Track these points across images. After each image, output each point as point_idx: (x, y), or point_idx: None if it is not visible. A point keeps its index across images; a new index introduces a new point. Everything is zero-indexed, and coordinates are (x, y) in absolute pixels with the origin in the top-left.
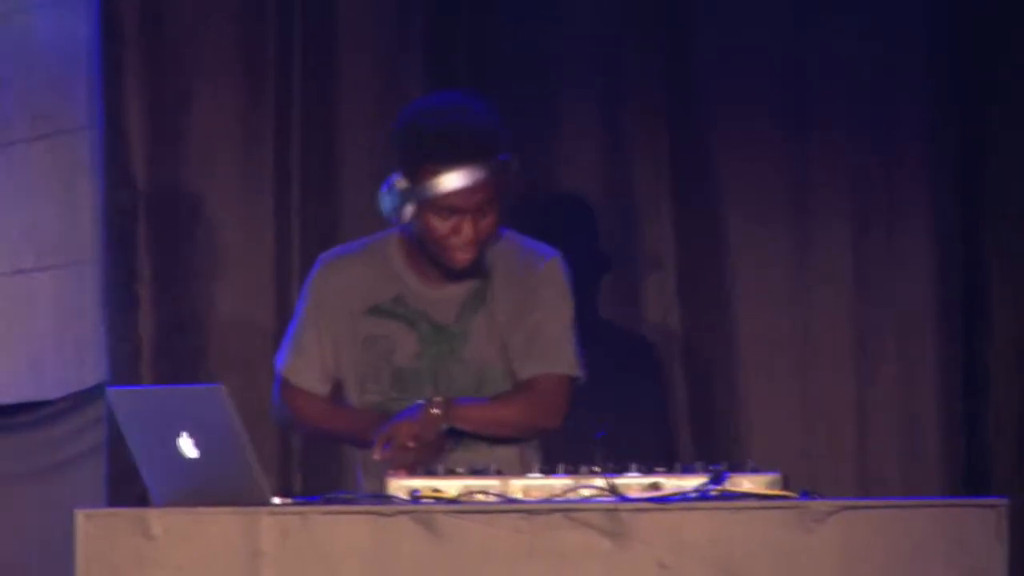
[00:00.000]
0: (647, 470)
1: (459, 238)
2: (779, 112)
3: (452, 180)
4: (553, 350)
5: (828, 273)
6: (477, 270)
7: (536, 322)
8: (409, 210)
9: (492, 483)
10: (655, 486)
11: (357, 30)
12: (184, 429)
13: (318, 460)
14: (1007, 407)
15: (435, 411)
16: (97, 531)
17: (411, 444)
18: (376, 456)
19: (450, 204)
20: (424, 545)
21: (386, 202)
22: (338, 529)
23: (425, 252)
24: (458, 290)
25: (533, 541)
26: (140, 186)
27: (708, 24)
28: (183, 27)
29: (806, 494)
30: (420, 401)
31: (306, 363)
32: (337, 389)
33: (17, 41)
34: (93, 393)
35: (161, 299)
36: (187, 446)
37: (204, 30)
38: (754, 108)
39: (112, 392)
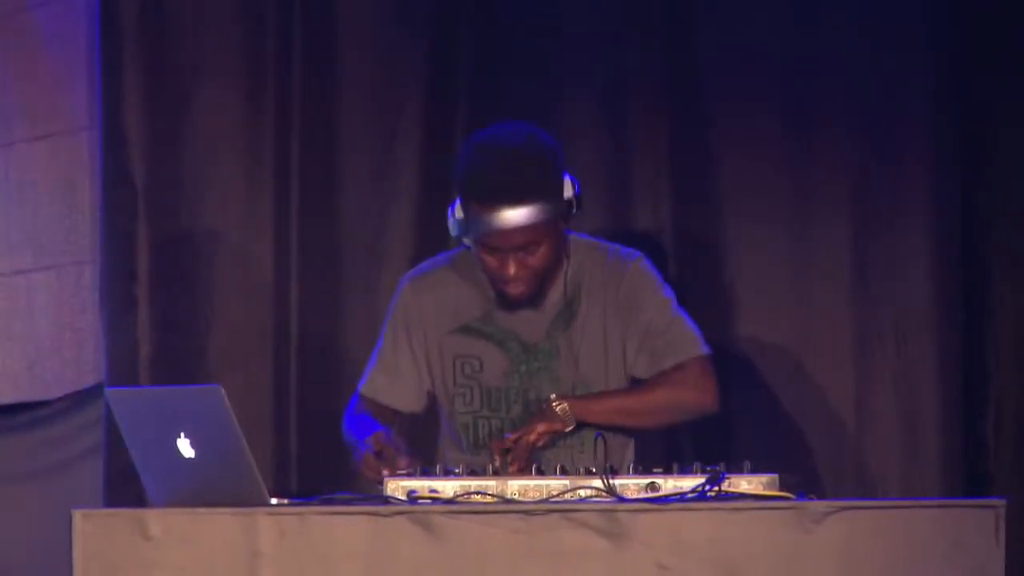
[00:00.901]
0: (645, 471)
1: (506, 274)
2: (780, 111)
3: (491, 222)
4: (676, 340)
5: (828, 272)
6: (534, 301)
7: (647, 323)
8: (466, 239)
9: (489, 483)
10: (653, 487)
11: (357, 28)
12: (182, 430)
13: (316, 460)
14: (1006, 407)
15: (560, 409)
16: (95, 531)
17: (539, 442)
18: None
19: (491, 244)
20: (422, 545)
21: (451, 225)
22: (336, 529)
23: None
24: (547, 307)
25: (531, 542)
26: (139, 186)
27: (709, 23)
28: (183, 27)
29: (804, 495)
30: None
31: (390, 380)
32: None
33: (16, 40)
34: (92, 393)
35: (160, 300)
36: (185, 446)
37: (204, 30)
38: (755, 106)
39: (110, 392)
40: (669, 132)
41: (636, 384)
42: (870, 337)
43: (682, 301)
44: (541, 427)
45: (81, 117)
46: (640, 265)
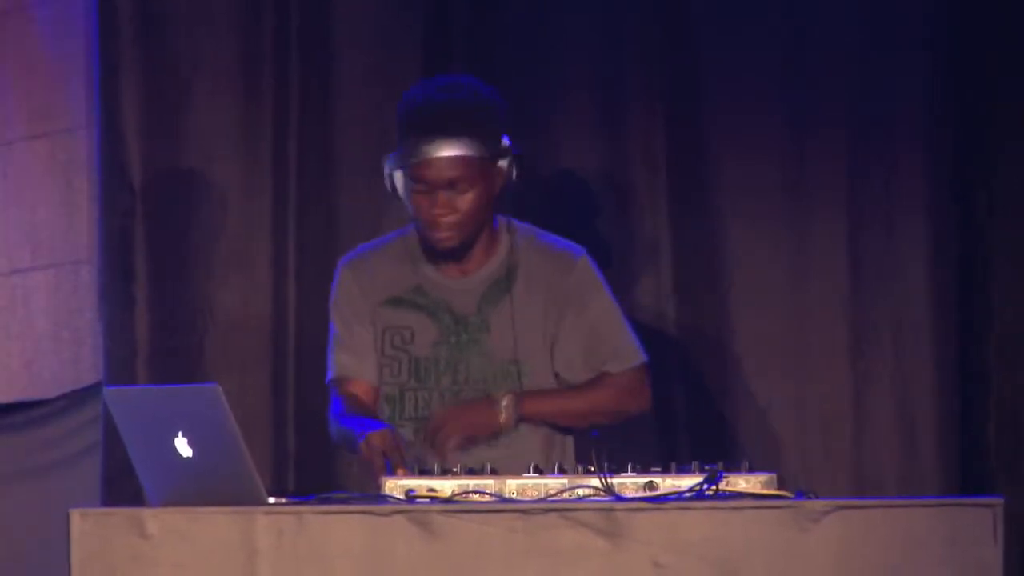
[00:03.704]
0: (643, 469)
1: (433, 215)
2: (777, 111)
3: (424, 151)
4: (619, 347)
5: (826, 271)
6: (461, 253)
7: (592, 325)
8: (399, 183)
9: (487, 482)
10: (651, 486)
11: (354, 28)
12: (180, 429)
13: (314, 460)
14: (1004, 406)
15: (504, 404)
16: (92, 530)
17: (465, 436)
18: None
19: (422, 176)
20: (419, 545)
21: (385, 174)
22: (334, 529)
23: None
24: (477, 281)
25: (528, 541)
26: (137, 186)
27: (707, 21)
28: (181, 27)
29: (801, 494)
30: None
31: (353, 357)
32: None
33: (15, 40)
34: (89, 392)
35: (158, 299)
36: (183, 446)
37: (202, 30)
38: (752, 107)
39: (108, 391)
40: (667, 132)
41: (578, 386)
42: (868, 336)
43: (679, 299)
44: (460, 432)
45: (79, 116)
46: (588, 262)
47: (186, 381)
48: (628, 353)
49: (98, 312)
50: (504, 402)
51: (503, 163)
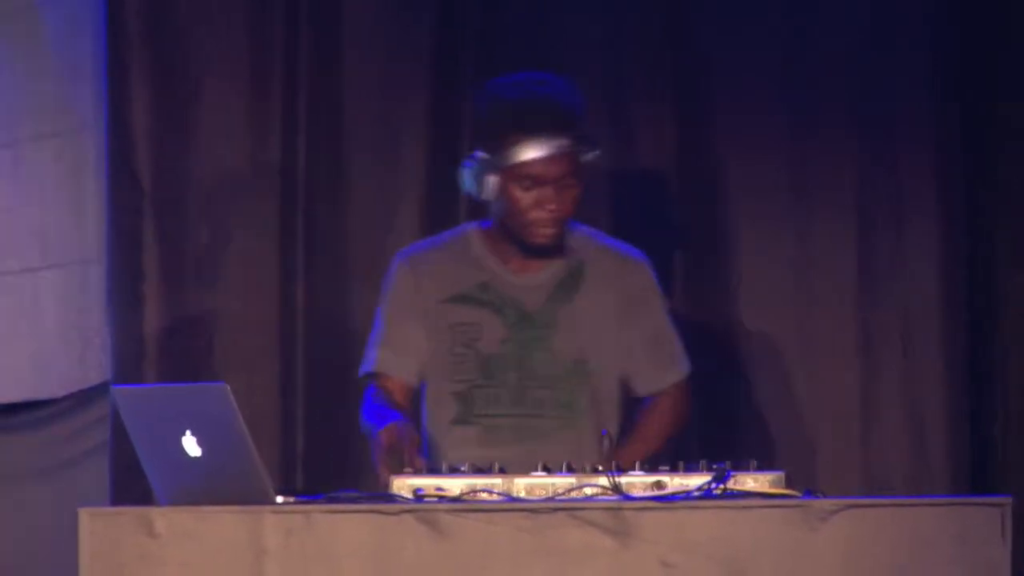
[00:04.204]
0: (651, 468)
1: (540, 211)
2: (784, 110)
3: (535, 148)
4: (675, 357)
5: (834, 271)
6: (556, 249)
7: (653, 331)
8: (491, 183)
9: (495, 482)
10: (659, 485)
11: (363, 26)
12: (188, 428)
13: (322, 459)
14: (1013, 405)
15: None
16: (101, 530)
17: None
18: None
19: (532, 173)
20: (427, 544)
21: (467, 177)
22: (342, 528)
23: (508, 233)
24: (544, 278)
25: (537, 540)
26: (146, 185)
27: (708, 22)
28: (189, 25)
29: (810, 493)
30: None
31: (395, 354)
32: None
33: (23, 39)
34: (97, 391)
35: (166, 298)
36: (191, 445)
37: (210, 29)
38: (759, 106)
39: (116, 390)
40: (673, 133)
41: (648, 422)
42: (876, 336)
43: (686, 300)
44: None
45: (88, 115)
46: (649, 267)
47: (194, 380)
48: (682, 363)
49: (106, 311)
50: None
51: (594, 157)
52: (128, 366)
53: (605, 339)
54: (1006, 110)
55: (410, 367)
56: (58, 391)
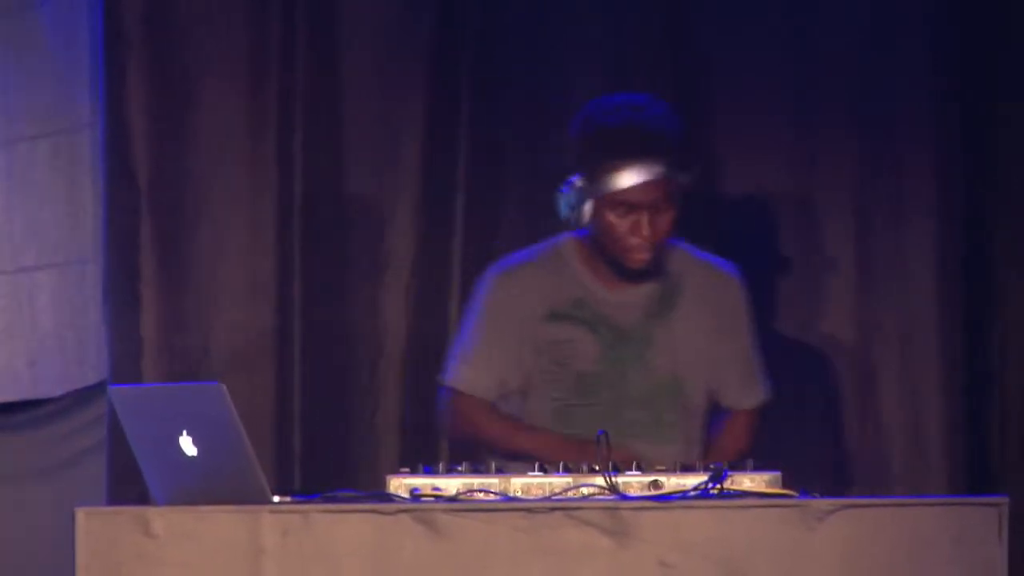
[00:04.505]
0: (648, 468)
1: (637, 237)
2: (783, 111)
3: (631, 176)
4: (760, 380)
5: (832, 271)
6: (654, 271)
7: (745, 348)
8: (588, 209)
9: (492, 481)
10: (655, 484)
11: (361, 26)
12: (185, 427)
13: (319, 458)
14: (1010, 405)
15: None
16: (98, 529)
17: None
18: None
19: (628, 200)
20: (425, 543)
21: (564, 203)
22: (339, 527)
23: (603, 254)
24: (640, 295)
25: (534, 540)
26: (142, 184)
27: (711, 21)
28: (186, 25)
29: (806, 492)
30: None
31: (476, 372)
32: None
33: (20, 38)
34: (94, 391)
35: (163, 298)
36: (188, 444)
37: (207, 28)
38: (759, 107)
39: (113, 390)
40: None
41: (731, 436)
42: (874, 336)
43: None
44: None
45: (84, 115)
46: (743, 284)
47: (191, 380)
48: (763, 388)
49: (103, 311)
50: None
51: (688, 179)
52: (125, 366)
53: (698, 355)
54: (1006, 110)
55: (489, 385)
56: (55, 391)
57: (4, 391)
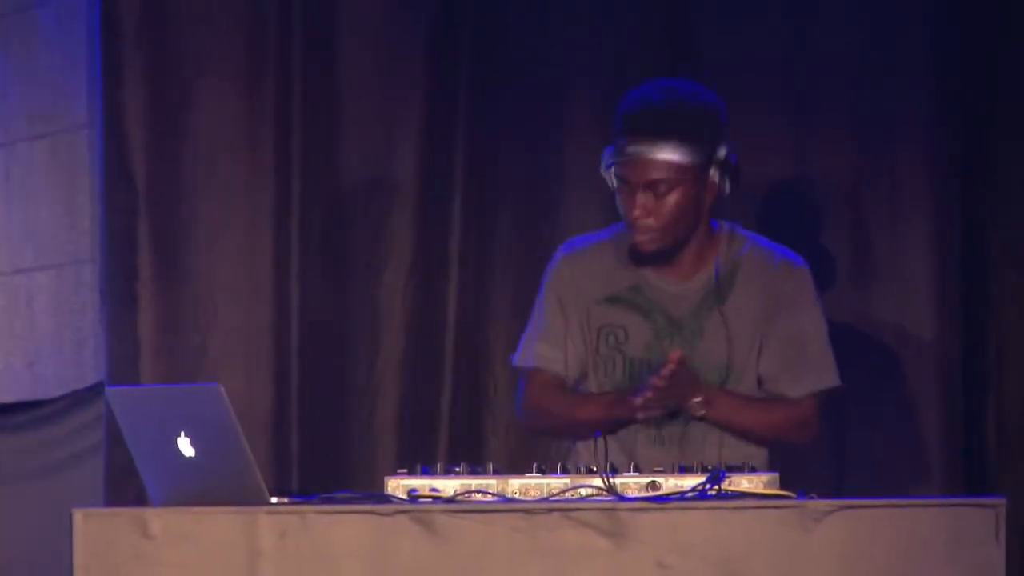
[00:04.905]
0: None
1: (635, 215)
2: (780, 112)
3: (628, 150)
4: (820, 366)
5: (829, 272)
6: (662, 258)
7: (800, 336)
8: (610, 180)
9: (489, 482)
10: (653, 486)
11: (358, 27)
12: (182, 428)
13: (316, 459)
14: (1007, 406)
15: (697, 400)
16: (95, 530)
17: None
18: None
19: (624, 175)
20: (423, 544)
21: (603, 173)
22: (337, 528)
23: None
24: (695, 286)
25: (532, 541)
26: (140, 185)
27: (708, 23)
28: (183, 26)
29: (804, 494)
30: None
31: (553, 348)
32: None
33: (18, 39)
34: (92, 392)
35: (160, 299)
36: (185, 445)
37: (205, 29)
38: (756, 107)
39: (111, 391)
40: None
41: (766, 402)
42: (870, 337)
43: None
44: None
45: (81, 115)
46: (807, 273)
47: (188, 381)
48: (825, 374)
49: (100, 312)
50: (701, 397)
51: (714, 172)
52: (122, 367)
53: (748, 346)
54: (1006, 110)
55: (569, 363)
56: (53, 391)
57: (2, 392)
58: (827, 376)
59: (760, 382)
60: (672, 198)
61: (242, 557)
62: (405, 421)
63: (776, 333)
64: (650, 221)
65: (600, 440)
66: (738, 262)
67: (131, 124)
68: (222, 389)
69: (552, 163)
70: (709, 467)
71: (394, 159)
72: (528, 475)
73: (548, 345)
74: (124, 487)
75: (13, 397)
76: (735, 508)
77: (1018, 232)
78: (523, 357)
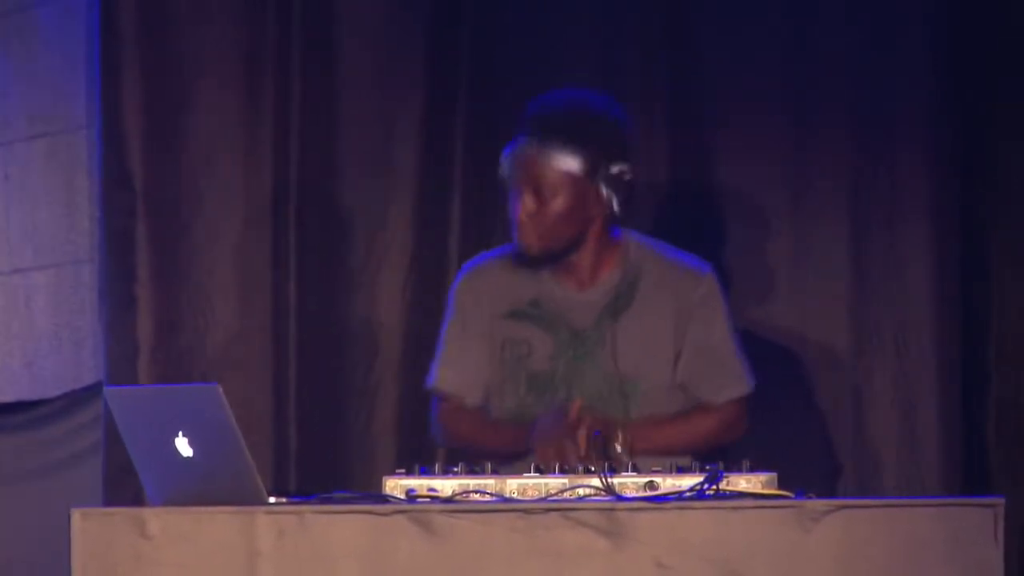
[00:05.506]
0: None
1: (516, 214)
2: (779, 112)
3: (516, 150)
4: (732, 374)
5: (827, 272)
6: (546, 262)
7: (711, 345)
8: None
9: (488, 482)
10: (651, 485)
11: (358, 27)
12: (181, 429)
13: (315, 459)
14: (1005, 405)
15: (618, 447)
16: (94, 530)
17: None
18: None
19: (508, 173)
20: (421, 544)
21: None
22: (335, 528)
23: None
24: (597, 294)
25: (530, 541)
26: (138, 186)
27: (708, 23)
28: (182, 27)
29: (802, 493)
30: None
31: (456, 373)
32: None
33: (16, 39)
34: (90, 392)
35: (158, 299)
36: (183, 445)
37: (203, 30)
38: (754, 107)
39: (109, 391)
40: (667, 133)
41: (684, 416)
42: (869, 337)
43: None
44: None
45: (80, 116)
46: (714, 278)
47: (187, 381)
48: (738, 381)
49: (99, 312)
50: (620, 444)
51: (602, 186)
52: (121, 367)
53: (656, 354)
54: (1006, 110)
55: (469, 383)
56: (51, 391)
57: (0, 392)
58: (743, 383)
59: (683, 389)
60: (556, 204)
61: (240, 557)
62: (404, 421)
63: (691, 346)
64: (532, 222)
65: (597, 439)
66: (640, 271)
67: (130, 124)
68: (220, 389)
69: None
70: (706, 467)
71: (394, 159)
72: (526, 475)
73: (450, 369)
74: (122, 487)
75: (11, 397)
76: (734, 508)
77: (1018, 232)
78: (431, 380)
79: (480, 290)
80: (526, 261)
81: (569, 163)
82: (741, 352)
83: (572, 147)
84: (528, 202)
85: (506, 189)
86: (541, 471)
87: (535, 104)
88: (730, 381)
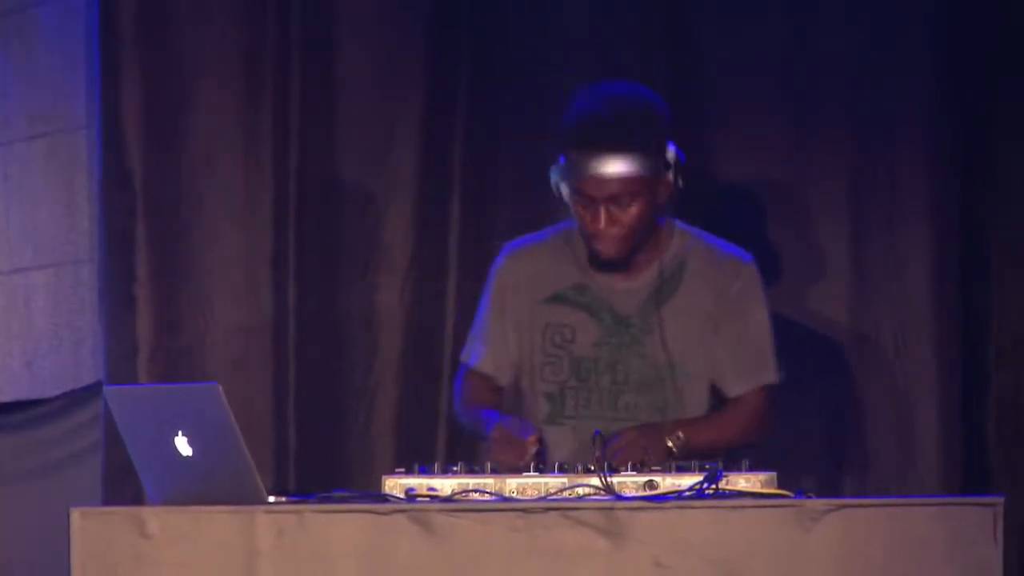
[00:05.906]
0: (642, 468)
1: (596, 227)
2: (779, 111)
3: (587, 167)
4: (761, 363)
5: (827, 272)
6: (623, 264)
7: (742, 333)
8: (563, 192)
9: (487, 481)
10: (651, 485)
11: (358, 27)
12: (180, 428)
13: (314, 458)
14: (1004, 405)
15: (670, 444)
16: (93, 530)
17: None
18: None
19: (586, 190)
20: (420, 544)
21: (551, 181)
22: (334, 527)
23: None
24: (642, 281)
25: (529, 540)
26: (138, 185)
27: (708, 23)
28: (182, 27)
29: (801, 493)
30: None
31: (494, 353)
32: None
33: (16, 38)
34: (90, 392)
35: (158, 298)
36: (183, 445)
37: (203, 30)
38: (754, 107)
39: (108, 391)
40: None
41: (716, 414)
42: (869, 336)
43: None
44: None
45: (80, 116)
46: (754, 269)
47: (186, 380)
48: (767, 369)
49: (98, 311)
50: (677, 435)
51: (669, 174)
52: (120, 366)
53: (698, 342)
54: (1006, 110)
55: (499, 363)
56: (50, 391)
57: (0, 391)
58: (771, 372)
59: (714, 383)
60: (635, 208)
61: (240, 556)
62: (403, 421)
63: (725, 334)
64: (614, 231)
65: (598, 438)
66: (684, 259)
67: (129, 124)
68: (220, 389)
69: (552, 163)
70: (706, 466)
71: (393, 159)
72: (525, 474)
73: (489, 350)
74: (122, 486)
75: (11, 396)
76: (733, 507)
77: (1018, 232)
78: (465, 354)
79: (521, 273)
80: (602, 266)
81: (641, 168)
82: (774, 347)
83: (642, 152)
84: (607, 214)
85: (568, 201)
86: (541, 470)
87: (582, 115)
88: (758, 373)
